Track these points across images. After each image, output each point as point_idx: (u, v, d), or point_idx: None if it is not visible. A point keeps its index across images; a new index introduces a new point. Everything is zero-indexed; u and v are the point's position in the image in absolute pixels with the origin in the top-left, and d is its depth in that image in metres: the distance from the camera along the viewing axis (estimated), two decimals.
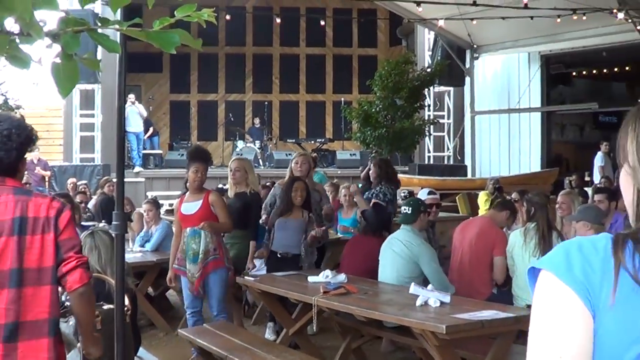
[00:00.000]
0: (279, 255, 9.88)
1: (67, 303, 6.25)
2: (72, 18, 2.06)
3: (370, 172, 12.40)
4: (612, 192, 11.29)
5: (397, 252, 8.56)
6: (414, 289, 7.45)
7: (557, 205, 10.36)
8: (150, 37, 2.13)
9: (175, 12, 2.21)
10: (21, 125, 4.36)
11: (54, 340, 4.19)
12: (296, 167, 11.05)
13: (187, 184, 9.62)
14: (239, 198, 10.43)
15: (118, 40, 2.52)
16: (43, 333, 4.16)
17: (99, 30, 2.08)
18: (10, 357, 4.07)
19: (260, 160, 26.07)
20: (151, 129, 27.60)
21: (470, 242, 9.19)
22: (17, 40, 2.04)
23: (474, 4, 18.69)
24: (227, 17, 27.09)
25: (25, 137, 4.35)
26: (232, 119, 30.34)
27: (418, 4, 18.87)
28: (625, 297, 1.73)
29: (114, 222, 2.70)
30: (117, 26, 2.11)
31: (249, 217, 10.26)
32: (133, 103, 24.45)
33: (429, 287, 7.57)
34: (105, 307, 5.92)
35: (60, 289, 4.29)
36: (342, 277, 8.39)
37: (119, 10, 2.13)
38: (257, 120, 29.95)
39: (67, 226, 4.24)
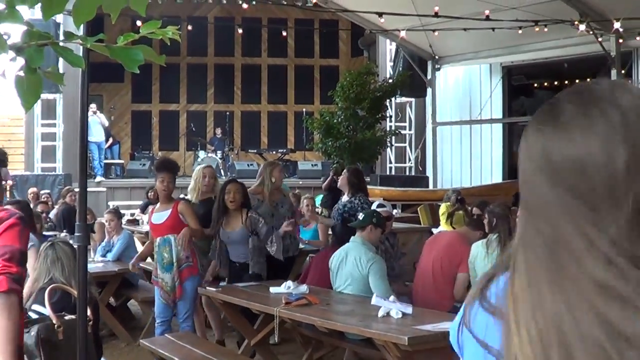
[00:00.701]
0: (237, 265, 9.88)
1: (30, 313, 6.21)
2: (36, 31, 2.04)
3: (341, 182, 12.16)
4: None
5: (348, 269, 8.50)
6: (375, 300, 7.45)
7: (517, 218, 10.40)
8: (114, 54, 2.12)
9: (140, 29, 2.20)
10: None
11: None
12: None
13: (150, 195, 9.73)
14: (205, 204, 10.39)
15: (81, 53, 2.49)
16: None
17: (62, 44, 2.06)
18: None
19: (222, 171, 26.00)
20: (111, 139, 27.47)
21: (438, 255, 9.18)
22: None
23: (436, 15, 18.75)
24: (189, 27, 27.05)
25: None
26: (193, 129, 30.30)
27: (380, 15, 18.91)
28: None
29: (76, 234, 2.68)
30: (80, 41, 2.09)
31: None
32: (94, 113, 24.33)
33: (391, 298, 7.56)
34: (67, 317, 5.88)
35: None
36: (303, 287, 8.38)
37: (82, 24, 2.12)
38: (218, 131, 29.92)
39: (4, 233, 4.01)
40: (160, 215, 9.33)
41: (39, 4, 2.08)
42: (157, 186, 9.56)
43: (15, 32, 2.06)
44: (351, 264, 8.46)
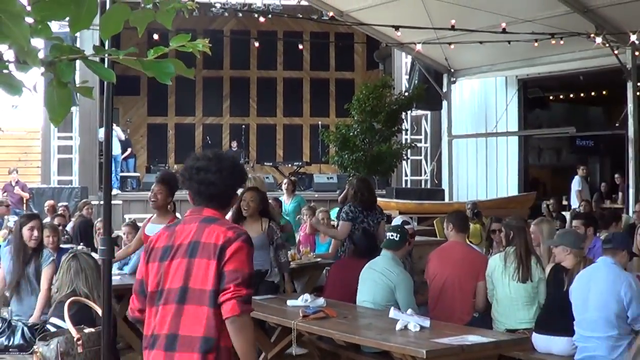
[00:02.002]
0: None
1: (48, 326, 6.24)
2: (66, 46, 2.05)
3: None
4: (589, 218, 11.34)
5: (375, 279, 8.53)
6: (393, 313, 7.44)
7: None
8: (146, 67, 2.13)
9: (170, 42, 2.21)
10: (234, 164, 4.92)
11: (203, 356, 4.47)
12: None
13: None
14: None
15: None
16: (195, 348, 4.49)
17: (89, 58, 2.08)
18: None
19: None
20: (129, 150, 27.56)
21: (454, 270, 9.14)
22: (9, 68, 2.03)
23: (452, 28, 18.76)
24: (205, 40, 27.11)
25: (234, 175, 4.86)
26: (209, 142, 30.36)
27: (396, 28, 18.94)
28: None
29: (100, 247, 2.68)
30: (112, 55, 2.11)
31: None
32: None
33: (409, 311, 7.55)
34: (87, 330, 5.91)
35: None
36: (321, 301, 8.36)
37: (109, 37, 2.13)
38: (234, 144, 29.95)
39: (233, 256, 4.54)
40: (156, 227, 8.70)
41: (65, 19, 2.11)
42: (149, 195, 9.68)
43: (40, 46, 2.08)
44: (378, 273, 8.49)
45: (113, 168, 24.51)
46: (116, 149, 24.76)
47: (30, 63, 2.00)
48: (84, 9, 2.02)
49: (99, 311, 6.12)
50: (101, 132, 24.56)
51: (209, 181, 4.74)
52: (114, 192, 23.79)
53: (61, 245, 10.65)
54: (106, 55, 2.14)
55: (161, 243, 4.71)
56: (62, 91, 2.10)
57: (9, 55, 2.04)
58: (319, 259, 12.17)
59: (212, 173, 4.75)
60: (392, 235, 8.92)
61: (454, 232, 9.51)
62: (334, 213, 15.46)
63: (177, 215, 18.84)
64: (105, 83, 2.43)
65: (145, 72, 2.17)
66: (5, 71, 2.04)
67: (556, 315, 7.87)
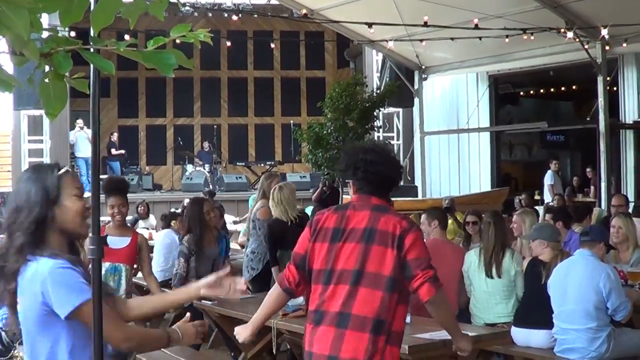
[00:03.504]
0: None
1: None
2: (63, 37, 2.03)
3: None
4: (560, 212, 11.42)
5: None
6: None
7: (511, 225, 10.44)
8: (146, 58, 2.10)
9: (170, 32, 2.19)
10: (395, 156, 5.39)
11: (374, 337, 4.85)
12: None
13: (140, 209, 9.26)
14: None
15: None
16: (366, 329, 4.86)
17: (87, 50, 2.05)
18: (339, 341, 4.87)
19: (210, 184, 25.95)
20: (113, 151, 27.93)
21: (446, 266, 9.13)
22: (1, 61, 2.00)
23: (425, 25, 18.79)
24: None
25: (397, 166, 5.43)
26: (181, 143, 30.27)
27: (370, 25, 18.94)
28: None
29: (89, 246, 2.65)
30: (113, 46, 2.08)
31: None
32: (82, 128, 24.30)
33: None
34: None
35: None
36: (300, 299, 8.34)
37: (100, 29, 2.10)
38: (206, 144, 29.94)
39: (413, 245, 4.97)
40: (117, 240, 8.29)
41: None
42: (108, 212, 8.29)
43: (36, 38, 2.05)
44: None
45: (85, 171, 24.43)
46: (87, 151, 24.60)
47: (29, 55, 1.97)
48: (75, 1, 2.00)
49: None
50: (72, 135, 24.45)
51: (380, 172, 5.17)
52: (86, 194, 23.60)
53: None
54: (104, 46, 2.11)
55: (330, 224, 5.12)
56: (58, 84, 2.07)
57: (3, 47, 2.01)
58: None
59: (381, 164, 5.20)
60: None
61: (439, 229, 9.49)
62: (308, 211, 15.47)
63: (151, 216, 18.84)
64: (91, 80, 2.39)
65: (145, 64, 2.14)
66: None
67: (534, 309, 7.91)
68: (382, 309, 4.90)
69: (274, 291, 5.43)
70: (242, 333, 5.51)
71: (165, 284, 12.10)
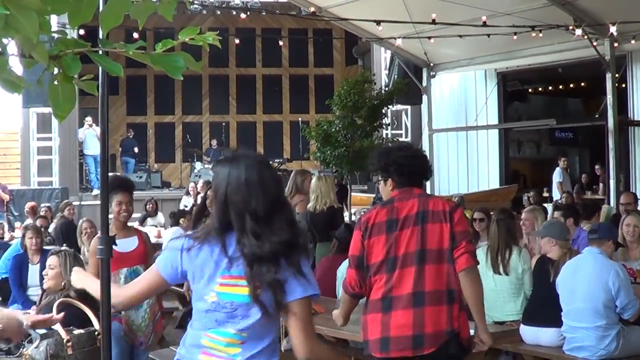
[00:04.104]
0: None
1: (30, 331, 6.19)
2: (72, 39, 2.03)
3: None
4: (570, 209, 11.39)
5: None
6: None
7: (521, 222, 10.39)
8: (155, 61, 2.10)
9: (179, 35, 2.19)
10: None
11: (449, 306, 5.39)
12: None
13: (148, 207, 8.89)
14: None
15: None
16: (442, 301, 5.37)
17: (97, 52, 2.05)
18: (420, 319, 5.29)
19: None
20: (136, 149, 28.08)
21: None
22: (10, 63, 2.00)
23: (433, 22, 18.77)
24: (214, 32, 27.06)
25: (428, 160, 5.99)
26: (189, 140, 30.30)
27: (378, 23, 18.92)
28: None
29: (98, 246, 2.65)
30: (121, 49, 2.08)
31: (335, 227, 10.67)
32: (90, 126, 24.31)
33: None
34: (76, 332, 5.86)
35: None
36: None
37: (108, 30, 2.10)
38: (214, 142, 29.96)
39: (459, 220, 5.51)
40: (125, 242, 7.91)
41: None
42: (114, 210, 7.97)
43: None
44: None
45: (94, 168, 24.46)
46: (96, 148, 24.62)
47: (37, 57, 1.97)
48: (84, 2, 2.00)
49: (88, 312, 6.10)
50: (80, 132, 24.47)
51: (416, 166, 5.71)
52: (95, 192, 23.68)
53: (44, 247, 10.61)
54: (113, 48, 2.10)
55: (382, 218, 5.52)
56: (67, 86, 2.06)
57: (12, 49, 2.00)
58: None
59: (416, 159, 5.76)
60: None
61: None
62: None
63: (160, 214, 18.85)
64: (100, 80, 2.40)
65: (153, 67, 2.14)
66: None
67: (543, 307, 7.89)
68: (451, 279, 5.41)
69: (344, 295, 5.86)
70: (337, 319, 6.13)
71: None
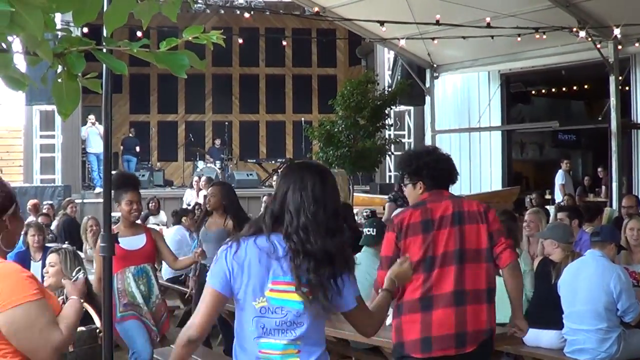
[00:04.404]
0: (207, 268, 8.86)
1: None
2: (76, 37, 2.03)
3: None
4: (575, 210, 11.36)
5: (359, 278, 8.39)
6: None
7: (524, 224, 10.36)
8: (159, 59, 2.10)
9: (183, 34, 2.19)
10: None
11: (489, 305, 5.55)
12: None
13: (150, 205, 8.72)
14: None
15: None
16: (483, 300, 5.51)
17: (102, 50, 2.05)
18: (462, 317, 5.40)
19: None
20: (137, 148, 28.10)
21: None
22: (15, 60, 2.00)
23: (437, 23, 18.77)
24: (218, 32, 27.06)
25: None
26: (192, 139, 30.30)
27: (381, 23, 18.92)
28: None
29: (100, 244, 2.65)
30: (126, 47, 2.08)
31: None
32: (93, 124, 24.31)
33: None
34: (77, 329, 5.85)
35: None
36: None
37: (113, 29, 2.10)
38: (217, 141, 29.94)
39: (494, 219, 5.68)
40: (132, 240, 7.90)
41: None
42: (123, 209, 7.89)
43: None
44: (362, 273, 8.41)
45: (96, 166, 24.47)
46: (98, 146, 24.61)
47: (42, 55, 1.97)
48: (89, 1, 2.00)
49: (90, 309, 6.10)
50: (84, 130, 24.48)
51: (446, 169, 5.81)
52: (98, 190, 23.67)
53: (46, 244, 10.61)
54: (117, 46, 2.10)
55: (416, 219, 5.57)
56: (71, 84, 2.06)
57: (17, 46, 2.00)
58: None
59: (445, 163, 5.86)
60: (368, 231, 8.67)
61: None
62: None
63: (162, 212, 18.85)
64: (104, 78, 2.40)
65: (158, 65, 2.14)
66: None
67: (545, 309, 7.87)
68: (490, 278, 5.56)
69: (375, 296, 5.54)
70: None
71: (176, 280, 12.13)
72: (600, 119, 22.69)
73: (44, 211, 16.71)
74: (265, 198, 14.44)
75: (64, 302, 6.03)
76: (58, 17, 2.42)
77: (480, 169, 25.26)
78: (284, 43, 31.26)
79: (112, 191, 7.74)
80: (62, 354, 5.72)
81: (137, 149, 28.54)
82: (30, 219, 15.23)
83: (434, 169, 5.74)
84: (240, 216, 9.79)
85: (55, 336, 3.63)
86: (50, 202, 19.46)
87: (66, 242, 12.53)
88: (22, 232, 11.15)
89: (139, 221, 8.33)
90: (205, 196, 9.92)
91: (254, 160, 30.85)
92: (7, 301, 3.51)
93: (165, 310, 8.03)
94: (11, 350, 3.57)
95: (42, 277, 7.52)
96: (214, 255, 9.00)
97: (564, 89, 29.34)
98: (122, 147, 28.53)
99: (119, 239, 7.42)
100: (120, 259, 7.46)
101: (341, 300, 3.89)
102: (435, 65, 24.74)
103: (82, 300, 4.16)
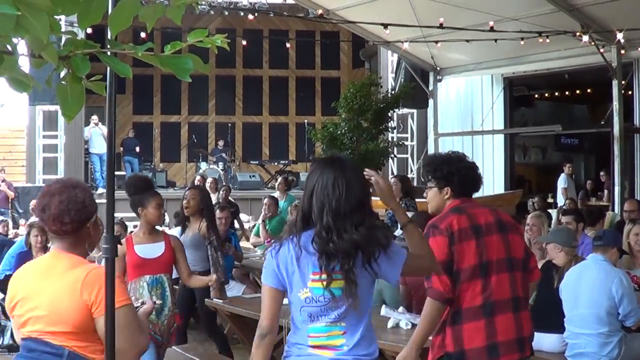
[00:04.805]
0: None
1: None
2: (81, 40, 2.04)
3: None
4: (579, 214, 11.36)
5: None
6: (385, 311, 7.43)
7: (527, 227, 10.37)
8: (164, 63, 2.12)
9: (187, 37, 2.21)
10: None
11: (530, 313, 5.68)
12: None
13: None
14: None
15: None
16: (527, 307, 5.68)
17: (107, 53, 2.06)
18: (520, 322, 5.48)
19: (224, 182, 25.95)
20: (137, 148, 28.15)
21: None
22: (20, 63, 2.01)
23: (440, 26, 18.77)
24: (223, 35, 27.08)
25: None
26: (195, 140, 30.30)
27: (385, 26, 18.93)
28: None
29: (103, 245, 2.67)
30: (130, 50, 2.09)
31: None
32: (96, 124, 24.33)
33: (400, 309, 7.55)
34: None
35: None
36: None
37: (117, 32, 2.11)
38: (220, 142, 29.95)
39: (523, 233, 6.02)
40: (150, 248, 7.60)
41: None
42: (153, 213, 7.54)
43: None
44: None
45: (99, 167, 24.48)
46: (101, 147, 24.61)
47: (47, 58, 1.98)
48: (93, 3, 2.01)
49: None
50: (86, 131, 24.49)
51: (476, 178, 5.80)
52: (100, 191, 23.67)
53: (47, 245, 10.64)
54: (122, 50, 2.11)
55: (464, 224, 5.45)
56: (75, 86, 2.08)
57: (22, 49, 2.01)
58: None
59: (476, 172, 5.84)
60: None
61: None
62: None
63: (166, 216, 18.84)
64: (108, 80, 2.42)
65: (162, 68, 2.16)
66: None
67: (546, 312, 7.87)
68: (525, 288, 5.65)
69: (432, 307, 5.47)
70: (407, 357, 5.54)
71: (176, 283, 12.12)
72: (602, 123, 22.66)
73: None
74: (265, 200, 14.41)
75: None
76: (62, 19, 2.43)
77: (482, 172, 24.82)
78: (288, 45, 31.23)
79: (133, 196, 7.63)
80: None
81: (137, 149, 28.57)
82: (33, 219, 15.26)
83: (465, 176, 5.71)
84: (214, 221, 9.80)
85: (142, 340, 4.02)
86: None
87: None
88: (25, 233, 11.21)
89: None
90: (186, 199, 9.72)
91: (257, 162, 30.84)
92: None
93: (174, 322, 7.72)
94: (101, 349, 3.77)
95: None
96: (193, 260, 8.96)
97: (567, 92, 29.36)
98: (122, 148, 28.55)
99: (136, 247, 7.50)
100: (136, 267, 7.48)
101: (388, 274, 4.29)
102: (438, 68, 24.75)
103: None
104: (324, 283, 4.12)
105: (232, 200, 17.80)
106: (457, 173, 5.66)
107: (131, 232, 8.04)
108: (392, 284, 4.38)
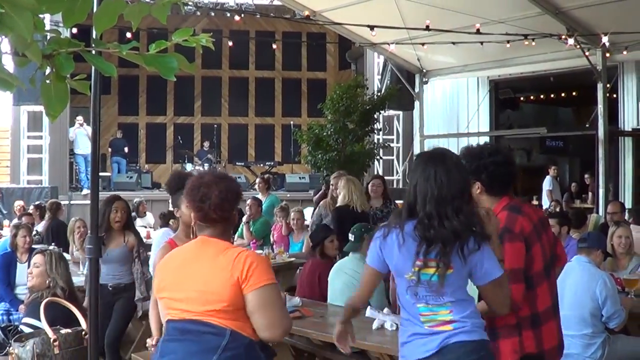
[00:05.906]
0: (109, 288, 8.99)
1: (22, 326, 6.18)
2: (65, 39, 2.03)
3: (374, 189, 12.46)
4: (564, 217, 11.39)
5: (346, 282, 8.43)
6: (369, 312, 7.42)
7: None
8: (148, 62, 2.12)
9: (172, 36, 2.21)
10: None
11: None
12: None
13: (140, 208, 7.98)
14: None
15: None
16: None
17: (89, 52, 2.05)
18: (559, 328, 5.39)
19: None
20: (126, 149, 28.12)
21: None
22: (3, 61, 2.00)
23: (427, 28, 18.79)
24: (207, 34, 27.04)
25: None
26: (180, 141, 30.28)
27: (372, 28, 18.93)
28: None
29: (87, 245, 2.66)
30: (115, 49, 2.08)
31: None
32: (81, 125, 24.25)
33: (385, 310, 7.54)
34: (63, 331, 5.85)
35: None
36: (296, 300, 8.35)
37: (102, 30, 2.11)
38: (206, 143, 29.94)
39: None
40: None
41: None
42: (184, 214, 6.19)
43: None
44: (348, 276, 8.42)
45: (84, 168, 24.38)
46: (86, 148, 24.53)
47: (31, 56, 1.98)
48: (78, 2, 2.01)
49: (75, 311, 6.10)
50: (71, 132, 24.39)
51: (508, 174, 5.44)
52: (85, 192, 23.59)
53: (33, 246, 10.61)
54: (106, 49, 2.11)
55: (529, 226, 5.25)
56: (59, 85, 2.08)
57: (5, 47, 2.01)
58: (292, 259, 12.22)
59: (511, 167, 5.51)
60: (350, 238, 8.77)
61: None
62: (307, 212, 15.50)
63: (149, 214, 18.80)
64: (92, 79, 2.42)
65: (147, 67, 2.16)
66: None
67: None
68: None
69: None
70: None
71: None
72: (587, 126, 22.75)
73: (29, 211, 16.64)
74: (248, 201, 14.33)
75: (48, 302, 6.05)
76: (46, 18, 2.43)
77: None
78: (274, 46, 31.25)
79: (171, 195, 7.30)
80: (48, 357, 5.73)
81: (126, 149, 28.54)
82: (15, 220, 15.20)
83: (493, 172, 5.36)
84: (137, 232, 9.49)
85: (287, 320, 4.44)
86: (37, 203, 19.38)
87: (52, 244, 12.50)
88: (11, 234, 11.15)
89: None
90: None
91: (243, 163, 30.81)
92: (260, 279, 4.26)
93: None
94: (253, 329, 4.29)
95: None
96: (118, 273, 8.77)
97: (552, 95, 29.40)
98: (110, 149, 28.51)
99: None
100: None
101: (476, 272, 4.48)
102: (424, 71, 24.78)
103: None
104: (422, 268, 4.40)
105: None
106: (485, 169, 5.36)
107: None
108: (474, 285, 4.64)
